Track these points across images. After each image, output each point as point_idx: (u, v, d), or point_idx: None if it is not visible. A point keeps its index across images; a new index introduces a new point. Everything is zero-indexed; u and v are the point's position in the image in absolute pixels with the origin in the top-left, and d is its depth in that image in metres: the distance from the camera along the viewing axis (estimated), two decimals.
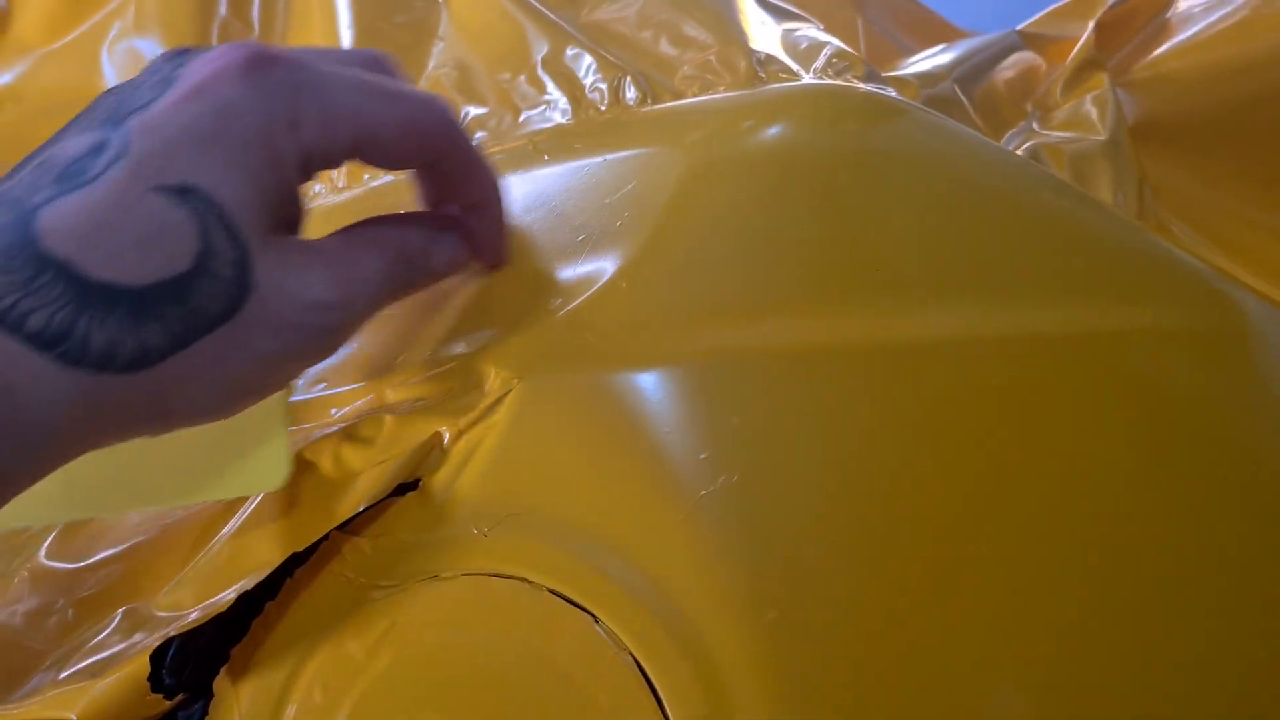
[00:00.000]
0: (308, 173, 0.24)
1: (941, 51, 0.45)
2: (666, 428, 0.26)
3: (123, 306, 0.20)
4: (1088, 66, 0.45)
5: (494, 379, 0.27)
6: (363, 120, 0.23)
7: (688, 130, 0.30)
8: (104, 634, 0.27)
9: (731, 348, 0.27)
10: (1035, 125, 0.41)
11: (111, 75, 0.43)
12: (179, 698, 0.26)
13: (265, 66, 0.22)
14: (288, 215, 0.24)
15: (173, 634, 0.25)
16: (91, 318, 0.19)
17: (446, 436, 0.27)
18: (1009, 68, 0.45)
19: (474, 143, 0.27)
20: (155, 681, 0.25)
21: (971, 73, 0.42)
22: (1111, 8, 0.49)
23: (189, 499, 0.26)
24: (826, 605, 0.24)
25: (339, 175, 0.37)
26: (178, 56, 0.24)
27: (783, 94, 0.31)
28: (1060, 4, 0.55)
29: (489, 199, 0.28)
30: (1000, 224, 0.30)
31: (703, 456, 0.26)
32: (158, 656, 0.25)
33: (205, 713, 0.26)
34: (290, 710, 0.26)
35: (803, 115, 0.30)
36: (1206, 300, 0.32)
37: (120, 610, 0.28)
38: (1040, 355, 0.29)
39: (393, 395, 0.29)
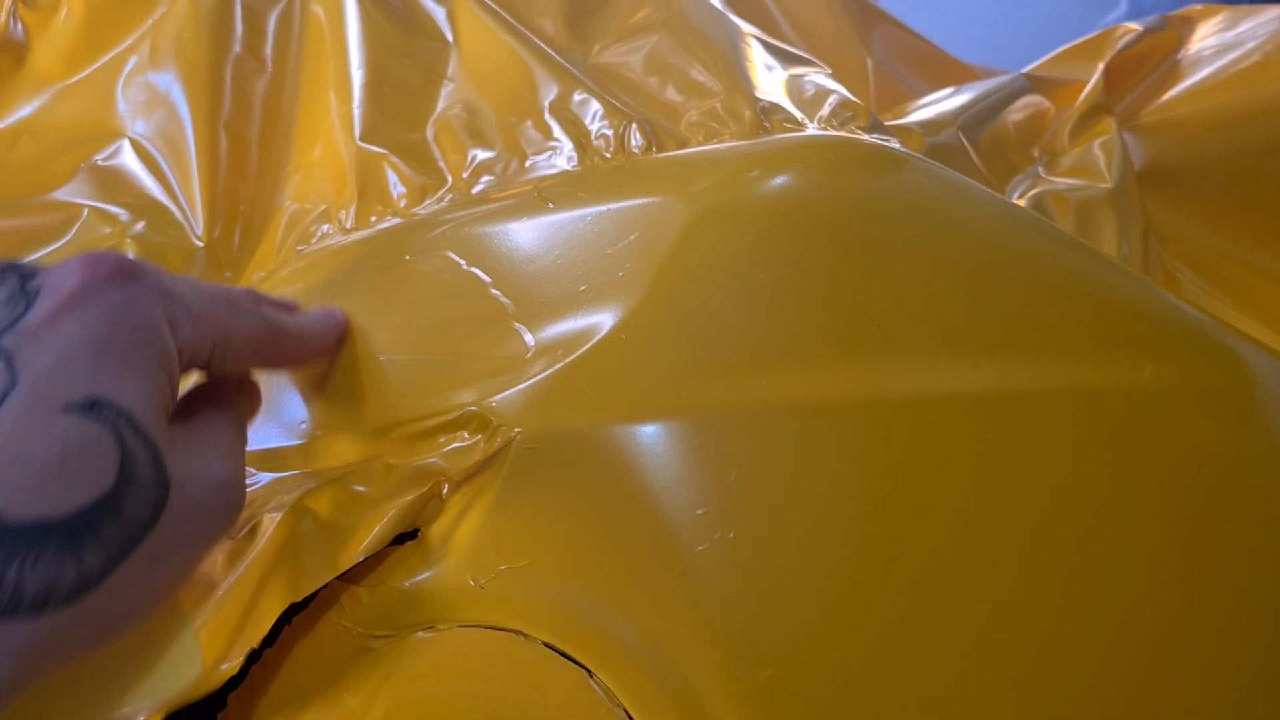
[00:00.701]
0: (183, 369, 0.24)
1: (950, 95, 0.45)
2: (664, 482, 0.26)
3: (55, 540, 0.19)
4: (1096, 111, 0.45)
5: (494, 431, 0.27)
6: (220, 324, 0.25)
7: (690, 181, 0.31)
8: None
9: (731, 402, 0.27)
10: (1041, 171, 0.42)
11: (125, 110, 0.44)
12: None
13: (134, 273, 0.23)
14: (171, 405, 0.24)
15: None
16: (23, 563, 0.18)
17: (446, 487, 0.27)
18: (1017, 111, 0.45)
19: (300, 337, 0.29)
20: None
21: (978, 118, 0.42)
22: (1121, 50, 0.49)
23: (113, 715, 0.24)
24: (821, 665, 0.24)
25: (347, 216, 0.37)
26: (10, 271, 0.23)
27: (785, 145, 0.31)
28: (1069, 46, 0.55)
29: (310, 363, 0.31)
30: (1002, 278, 0.30)
31: (700, 512, 0.26)
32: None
33: None
34: None
35: (805, 167, 0.30)
36: (1211, 356, 0.31)
37: None
38: (1041, 411, 0.29)
39: (392, 444, 0.29)
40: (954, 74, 0.59)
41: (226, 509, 0.24)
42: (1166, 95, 0.49)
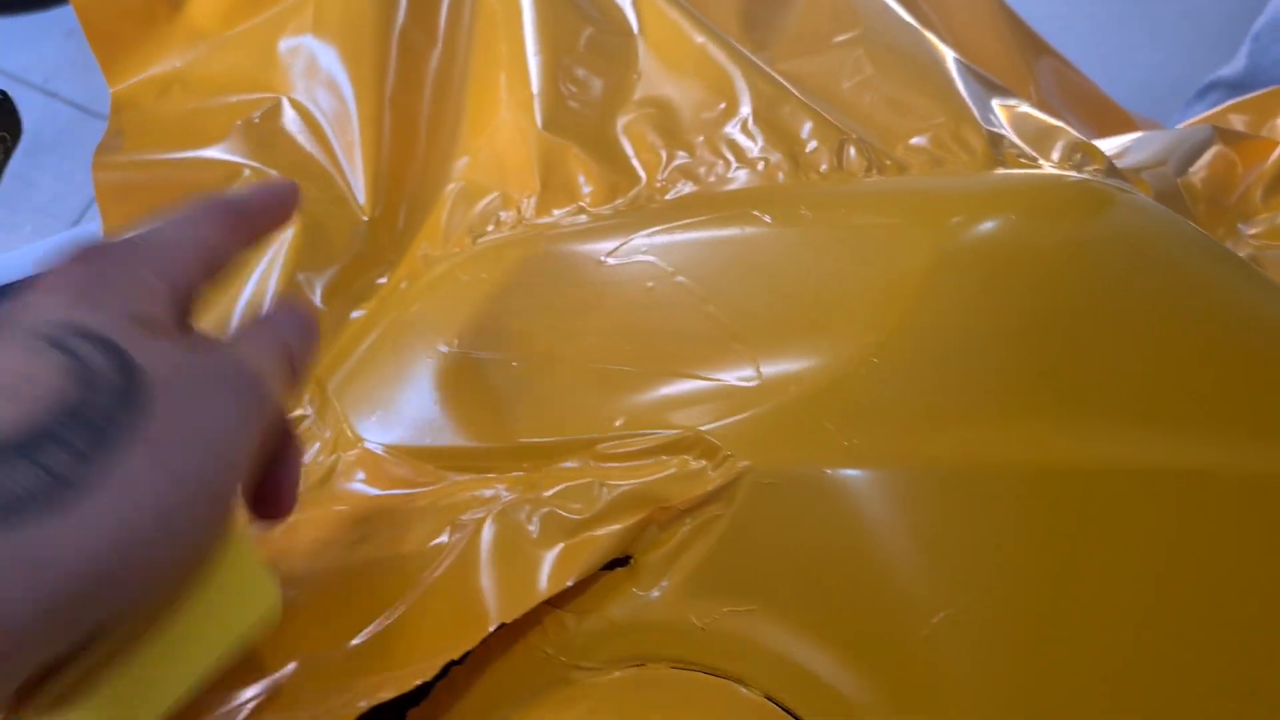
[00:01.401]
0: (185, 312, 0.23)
1: (1137, 144, 0.43)
2: (909, 537, 0.24)
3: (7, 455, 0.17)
4: None
5: (722, 460, 0.26)
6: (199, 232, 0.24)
7: (935, 213, 0.29)
8: (277, 684, 0.26)
9: (985, 457, 0.25)
10: (1246, 230, 0.40)
11: (285, 70, 0.42)
12: None
13: (99, 251, 0.22)
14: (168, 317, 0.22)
15: (370, 705, 0.23)
16: None
17: (665, 515, 0.25)
18: (1204, 165, 0.43)
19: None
20: None
21: (1178, 166, 0.40)
22: None
23: (198, 669, 0.22)
24: None
25: (528, 206, 0.36)
26: None
27: (1035, 185, 0.29)
28: (1242, 99, 0.53)
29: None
30: (1256, 349, 0.28)
31: (946, 574, 0.24)
32: None
33: None
34: None
35: (1061, 211, 0.28)
36: None
37: (295, 661, 0.26)
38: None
39: (600, 459, 0.27)
40: (1111, 117, 0.57)
41: (241, 390, 0.22)
42: None
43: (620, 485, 0.26)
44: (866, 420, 0.25)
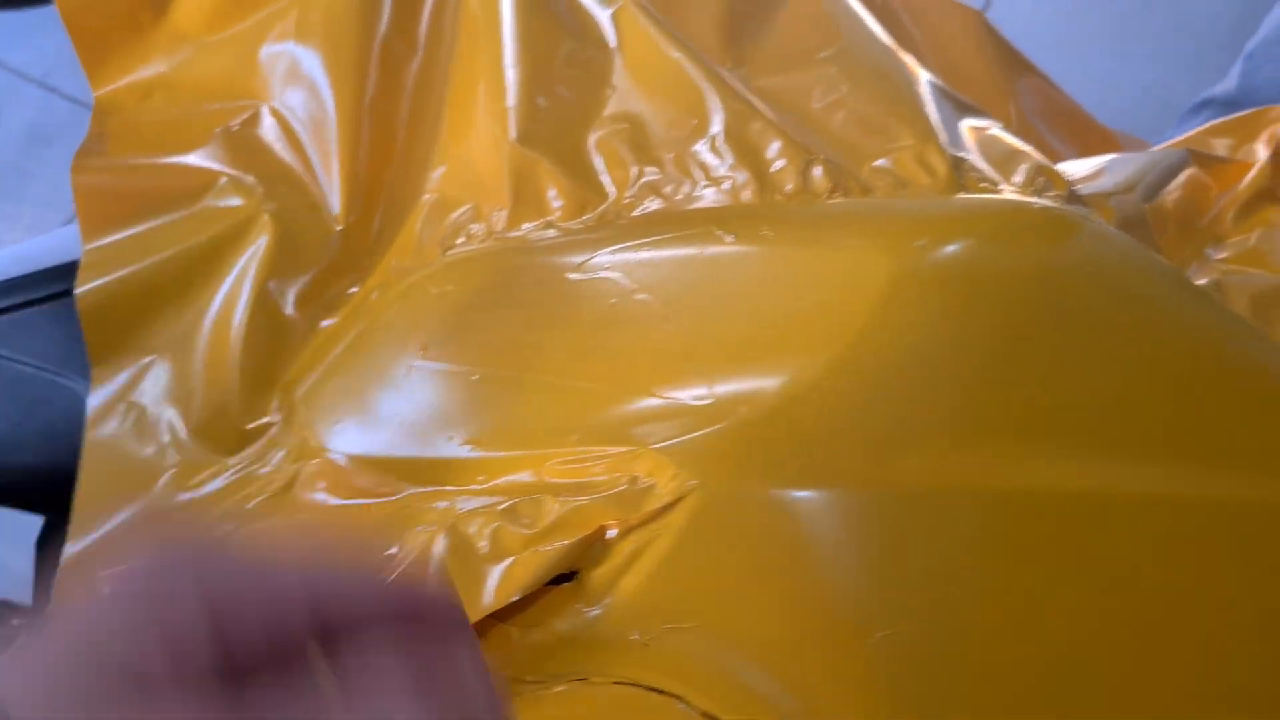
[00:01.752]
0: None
1: (1112, 165, 0.43)
2: (851, 558, 0.25)
3: None
4: (1262, 196, 0.43)
5: (670, 478, 0.26)
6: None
7: (892, 236, 0.29)
8: None
9: (937, 481, 0.25)
10: (1212, 254, 0.40)
11: (266, 77, 0.42)
12: None
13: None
14: None
15: None
16: None
17: (612, 531, 0.26)
18: (1177, 188, 0.43)
19: None
20: None
21: (1150, 190, 0.40)
22: None
23: None
24: None
25: (499, 219, 0.36)
26: None
27: (994, 211, 0.30)
28: (1220, 121, 0.53)
29: None
30: (1208, 380, 0.29)
31: (888, 595, 0.24)
32: None
33: None
34: None
35: (1018, 237, 0.29)
36: None
37: None
38: (1239, 521, 0.27)
39: (553, 475, 0.28)
40: (1093, 135, 0.57)
41: None
42: None
43: (570, 501, 0.26)
44: (817, 442, 0.26)
